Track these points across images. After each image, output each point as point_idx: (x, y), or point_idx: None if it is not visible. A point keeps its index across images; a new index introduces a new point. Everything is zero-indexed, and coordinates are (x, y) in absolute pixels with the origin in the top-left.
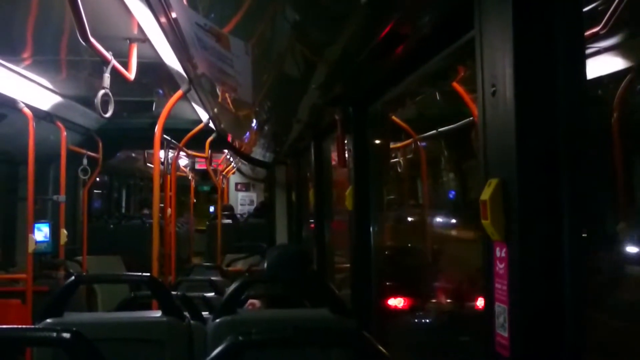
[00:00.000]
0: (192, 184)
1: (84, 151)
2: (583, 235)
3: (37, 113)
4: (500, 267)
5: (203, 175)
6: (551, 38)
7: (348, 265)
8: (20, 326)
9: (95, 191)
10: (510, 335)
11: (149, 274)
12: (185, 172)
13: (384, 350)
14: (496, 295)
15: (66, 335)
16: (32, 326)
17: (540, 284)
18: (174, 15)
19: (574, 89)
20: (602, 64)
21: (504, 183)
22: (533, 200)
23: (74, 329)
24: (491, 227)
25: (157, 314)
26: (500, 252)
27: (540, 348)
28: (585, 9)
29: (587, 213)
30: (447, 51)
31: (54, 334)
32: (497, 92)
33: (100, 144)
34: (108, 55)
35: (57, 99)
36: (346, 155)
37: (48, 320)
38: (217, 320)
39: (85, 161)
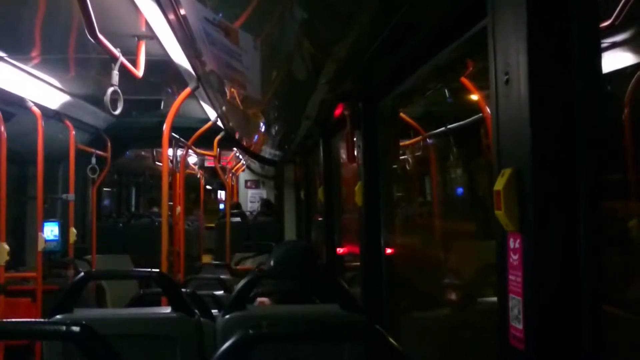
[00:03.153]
0: (202, 181)
1: (92, 150)
2: (599, 226)
3: (46, 112)
4: (514, 258)
5: (212, 173)
6: (566, 25)
7: (357, 263)
8: (30, 320)
9: (104, 189)
10: (525, 328)
11: (158, 270)
12: (194, 170)
13: (396, 344)
14: (510, 287)
15: (76, 328)
16: (43, 320)
17: (555, 275)
18: (182, 11)
19: (589, 76)
20: (611, 60)
21: (518, 173)
22: (548, 190)
23: (83, 322)
24: (505, 217)
25: (167, 310)
26: (514, 243)
27: (556, 340)
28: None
29: (603, 204)
30: (458, 42)
31: (64, 328)
32: (510, 80)
33: (109, 143)
34: (116, 52)
35: (66, 97)
36: (355, 151)
37: (58, 317)
38: (227, 316)
39: (93, 160)
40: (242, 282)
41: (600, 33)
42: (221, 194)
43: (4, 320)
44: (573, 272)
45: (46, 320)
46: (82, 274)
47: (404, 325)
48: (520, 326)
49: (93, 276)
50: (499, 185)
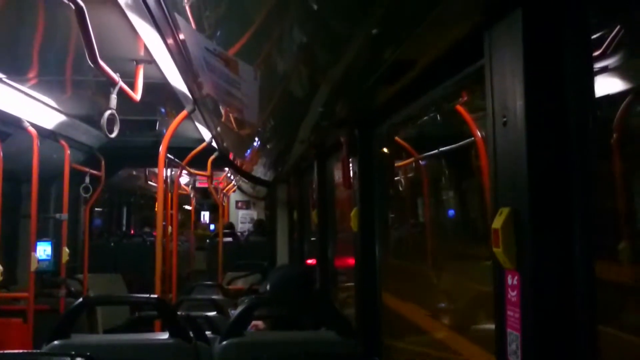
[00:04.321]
0: (193, 202)
1: (86, 169)
2: (595, 263)
3: (42, 132)
4: (512, 294)
5: (204, 193)
6: (561, 66)
7: (351, 284)
8: (31, 351)
9: (96, 209)
10: None
11: (156, 296)
12: (186, 191)
13: None
14: (508, 322)
15: None
16: (47, 351)
17: (553, 311)
18: (181, 36)
19: (584, 117)
20: (601, 85)
21: (515, 212)
22: (545, 229)
23: (88, 353)
24: (503, 255)
25: (164, 335)
26: (512, 280)
27: None
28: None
29: (599, 241)
30: (455, 78)
31: (68, 359)
32: (508, 122)
33: (103, 162)
34: (116, 77)
35: (62, 117)
36: (351, 176)
37: (55, 343)
38: (225, 342)
39: (87, 179)
40: (240, 308)
41: (594, 76)
42: (204, 215)
43: (3, 352)
44: (570, 308)
45: (47, 351)
46: (81, 299)
47: (399, 351)
48: None
49: (91, 302)
50: (497, 223)
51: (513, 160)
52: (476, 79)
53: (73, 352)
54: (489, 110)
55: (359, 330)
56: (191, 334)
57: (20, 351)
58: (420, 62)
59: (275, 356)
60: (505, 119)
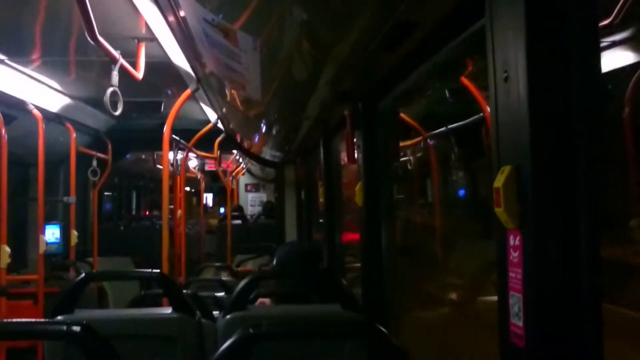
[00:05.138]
0: (202, 185)
1: (93, 153)
2: (599, 222)
3: (47, 115)
4: (514, 255)
5: (213, 177)
6: (564, 22)
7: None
8: (31, 320)
9: (105, 193)
10: (526, 325)
11: (159, 270)
12: (195, 174)
13: (396, 343)
14: (510, 284)
15: (76, 328)
16: (44, 320)
17: (556, 271)
18: (182, 13)
19: (588, 73)
20: (612, 58)
21: (517, 170)
22: (548, 187)
23: (84, 322)
24: (505, 215)
25: (168, 310)
26: (514, 240)
27: (557, 337)
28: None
29: (603, 200)
30: (456, 41)
31: (64, 327)
32: (509, 78)
33: (110, 145)
34: (116, 54)
35: (67, 100)
36: (355, 151)
37: (59, 318)
38: (228, 317)
39: (94, 163)
40: (242, 283)
41: (599, 29)
42: (207, 198)
43: (5, 320)
44: (573, 268)
45: (47, 320)
46: (83, 275)
47: (405, 323)
48: (520, 323)
49: (93, 277)
50: (499, 182)
51: (514, 116)
52: (479, 44)
53: (69, 321)
54: (490, 67)
55: (364, 302)
56: (197, 312)
57: (18, 320)
58: (421, 25)
59: (276, 324)
60: (506, 74)
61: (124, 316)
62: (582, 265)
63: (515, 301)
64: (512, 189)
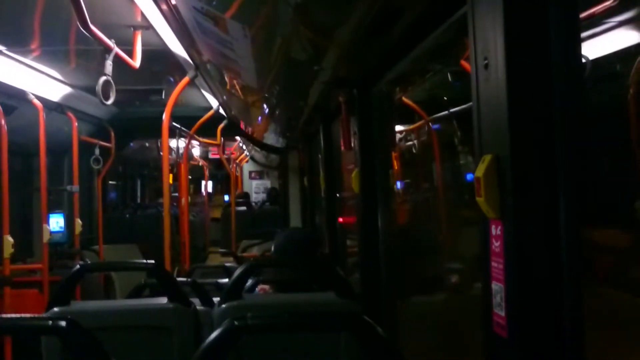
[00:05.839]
0: (206, 172)
1: (95, 141)
2: (579, 212)
3: (47, 104)
4: (496, 245)
5: (216, 165)
6: (544, 8)
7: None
8: (14, 315)
9: (110, 182)
10: (508, 315)
11: (153, 261)
12: (198, 161)
13: (382, 334)
14: (493, 274)
15: (62, 323)
16: (28, 315)
17: (537, 261)
18: (173, 1)
19: (568, 61)
20: (618, 39)
21: (497, 159)
22: (527, 176)
23: (69, 317)
24: (486, 204)
25: (164, 300)
26: (495, 230)
27: (539, 327)
28: None
29: (583, 189)
30: (442, 28)
31: (50, 322)
32: (489, 65)
33: (113, 134)
34: (110, 42)
35: (67, 89)
36: (352, 138)
37: (55, 309)
38: (223, 306)
39: (97, 151)
40: (237, 271)
41: (579, 17)
42: (205, 184)
43: None
44: (554, 258)
45: (33, 315)
46: (77, 266)
47: (402, 310)
48: (503, 313)
49: (89, 269)
50: (480, 171)
51: (495, 105)
52: (464, 30)
53: (56, 317)
54: (472, 54)
55: (361, 289)
56: (198, 300)
57: (3, 316)
58: (407, 11)
59: (261, 316)
60: (486, 62)
61: (119, 307)
62: (563, 255)
63: (498, 291)
64: (493, 178)
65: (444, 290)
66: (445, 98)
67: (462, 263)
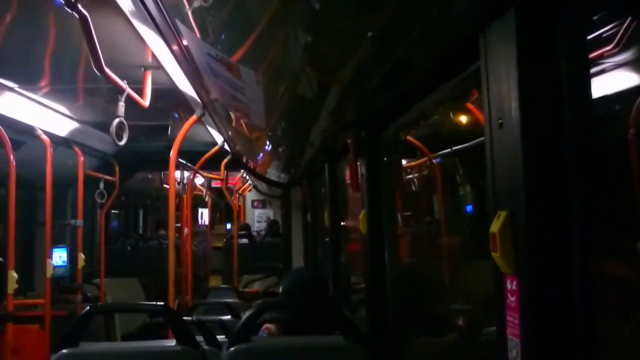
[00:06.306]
0: (209, 202)
1: (100, 175)
2: (593, 267)
3: (55, 139)
4: (511, 299)
5: (219, 193)
6: (557, 67)
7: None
8: None
9: (112, 211)
10: None
11: (162, 303)
12: (202, 191)
13: None
14: (508, 329)
15: None
16: None
17: (553, 316)
18: (185, 43)
19: (581, 119)
20: (618, 80)
21: (512, 215)
22: (542, 232)
23: None
24: (501, 259)
25: (172, 342)
26: (511, 284)
27: None
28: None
29: (598, 244)
30: (454, 81)
31: None
32: (503, 124)
33: (117, 168)
34: (123, 84)
35: (75, 125)
36: (359, 179)
37: (64, 351)
38: (232, 349)
39: (102, 185)
40: (246, 314)
41: (590, 76)
42: (202, 213)
43: None
44: (570, 312)
45: None
46: (88, 308)
47: (411, 351)
48: None
49: (98, 310)
50: (495, 227)
51: (509, 163)
52: (476, 83)
53: None
54: (485, 113)
55: (369, 335)
56: (201, 343)
57: None
58: (420, 64)
59: None
60: (500, 121)
61: (129, 349)
62: (578, 312)
63: (514, 345)
64: (508, 234)
65: (453, 332)
66: (446, 135)
67: (470, 303)
